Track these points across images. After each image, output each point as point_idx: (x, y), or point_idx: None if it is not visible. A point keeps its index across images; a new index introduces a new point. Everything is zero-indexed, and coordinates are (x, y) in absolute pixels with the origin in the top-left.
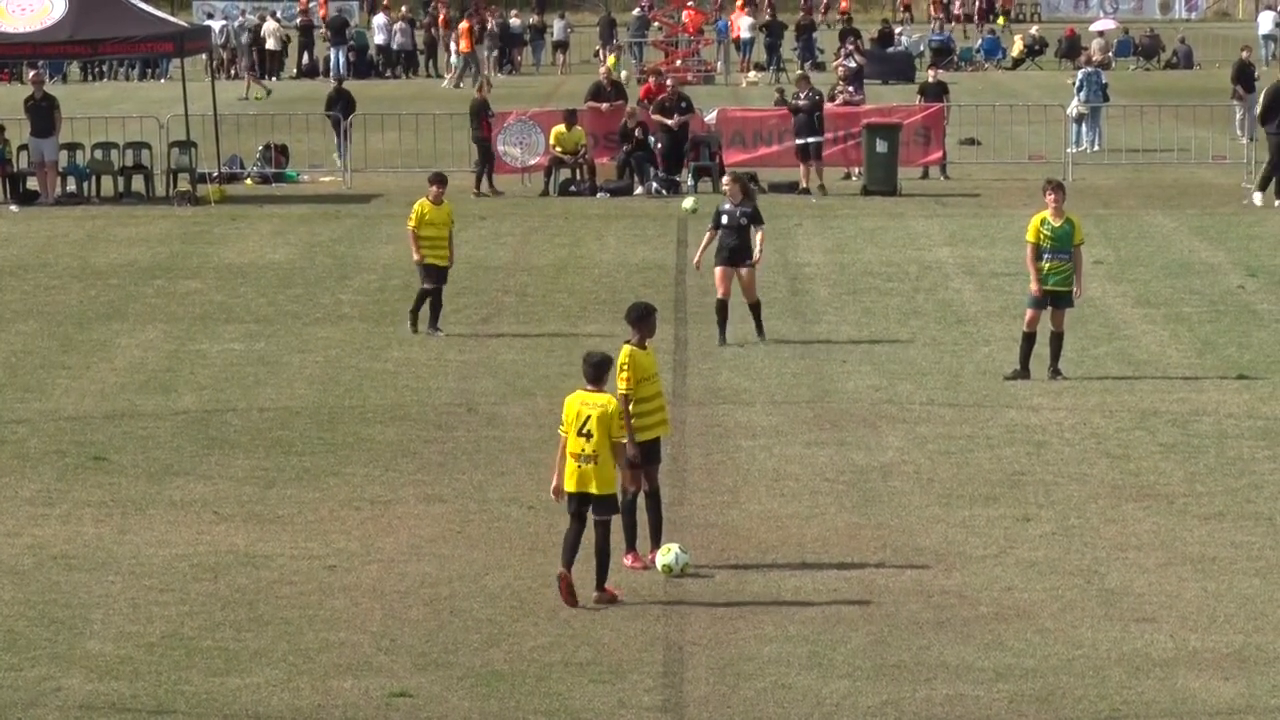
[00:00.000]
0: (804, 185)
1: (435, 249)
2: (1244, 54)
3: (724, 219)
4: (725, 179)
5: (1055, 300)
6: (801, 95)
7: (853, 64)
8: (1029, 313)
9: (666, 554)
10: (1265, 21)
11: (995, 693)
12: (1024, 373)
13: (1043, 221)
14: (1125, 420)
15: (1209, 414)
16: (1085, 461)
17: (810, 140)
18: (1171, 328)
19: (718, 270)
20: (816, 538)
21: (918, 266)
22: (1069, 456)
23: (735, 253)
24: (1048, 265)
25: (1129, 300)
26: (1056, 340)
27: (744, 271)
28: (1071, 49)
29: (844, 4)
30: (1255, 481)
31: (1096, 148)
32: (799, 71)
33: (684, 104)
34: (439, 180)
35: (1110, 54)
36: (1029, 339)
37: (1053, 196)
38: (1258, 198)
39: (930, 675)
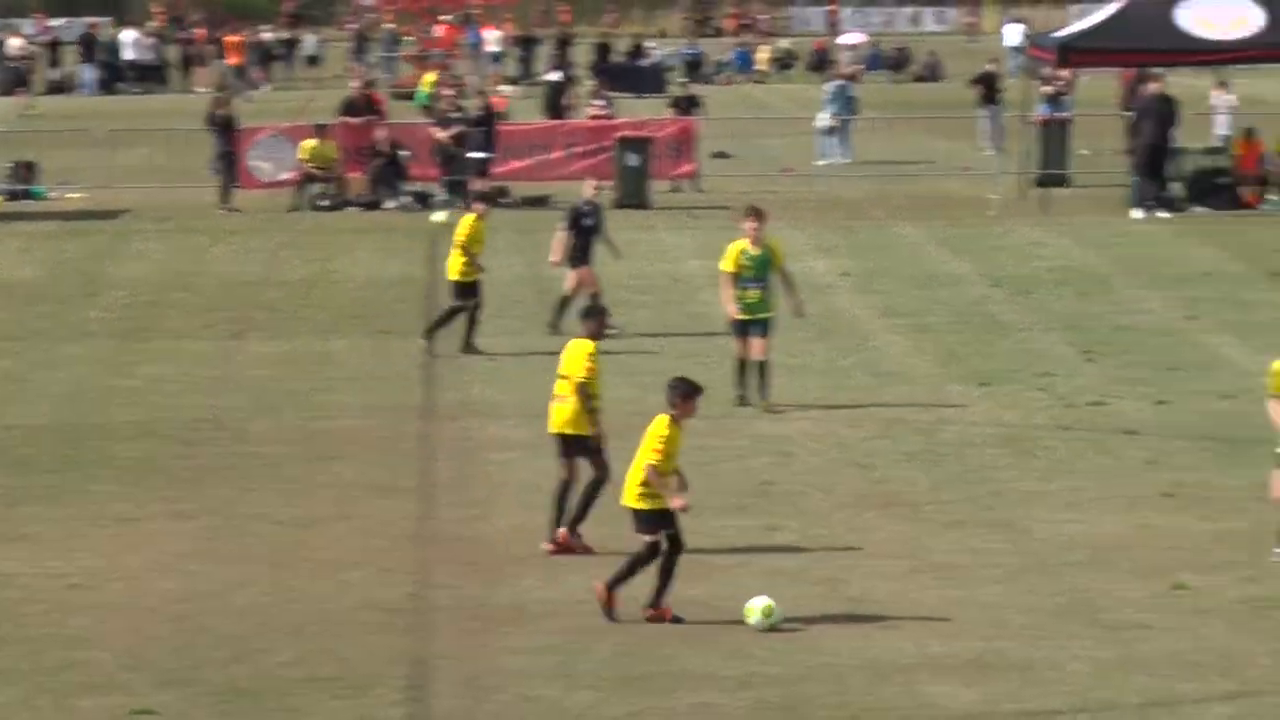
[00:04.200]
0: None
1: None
2: (990, 66)
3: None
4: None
5: (753, 328)
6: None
7: (559, 76)
8: (736, 341)
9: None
10: (1011, 34)
11: (739, 700)
12: (745, 400)
13: (741, 251)
14: (871, 429)
15: (953, 423)
16: (831, 471)
17: (481, 155)
18: (916, 338)
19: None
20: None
21: (668, 279)
22: (815, 466)
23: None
24: (747, 294)
25: (876, 311)
26: (760, 369)
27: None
28: (821, 62)
29: (564, 15)
30: (996, 489)
31: (845, 160)
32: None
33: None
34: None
35: (860, 67)
36: (741, 365)
37: (752, 224)
38: (1139, 213)
39: (675, 685)
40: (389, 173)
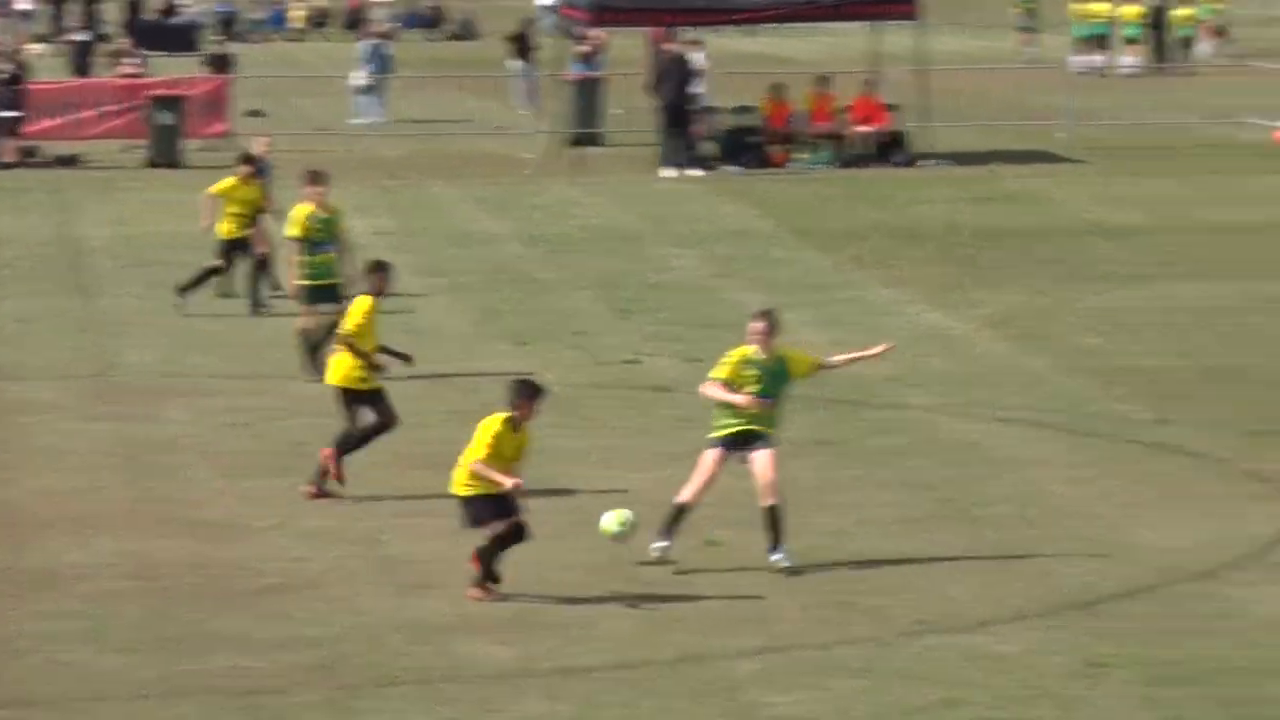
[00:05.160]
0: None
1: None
2: (526, 26)
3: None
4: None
5: (327, 294)
6: None
7: (87, 35)
8: (304, 310)
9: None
10: None
11: (275, 663)
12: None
13: (309, 215)
14: (409, 389)
15: (492, 381)
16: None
17: (10, 114)
18: (454, 296)
19: None
20: (96, 513)
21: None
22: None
23: None
24: (318, 258)
25: (413, 270)
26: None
27: None
28: (356, 20)
29: None
30: (536, 447)
31: (382, 119)
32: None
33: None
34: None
35: (394, 25)
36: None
37: (313, 189)
38: (671, 171)
39: (209, 647)
40: None
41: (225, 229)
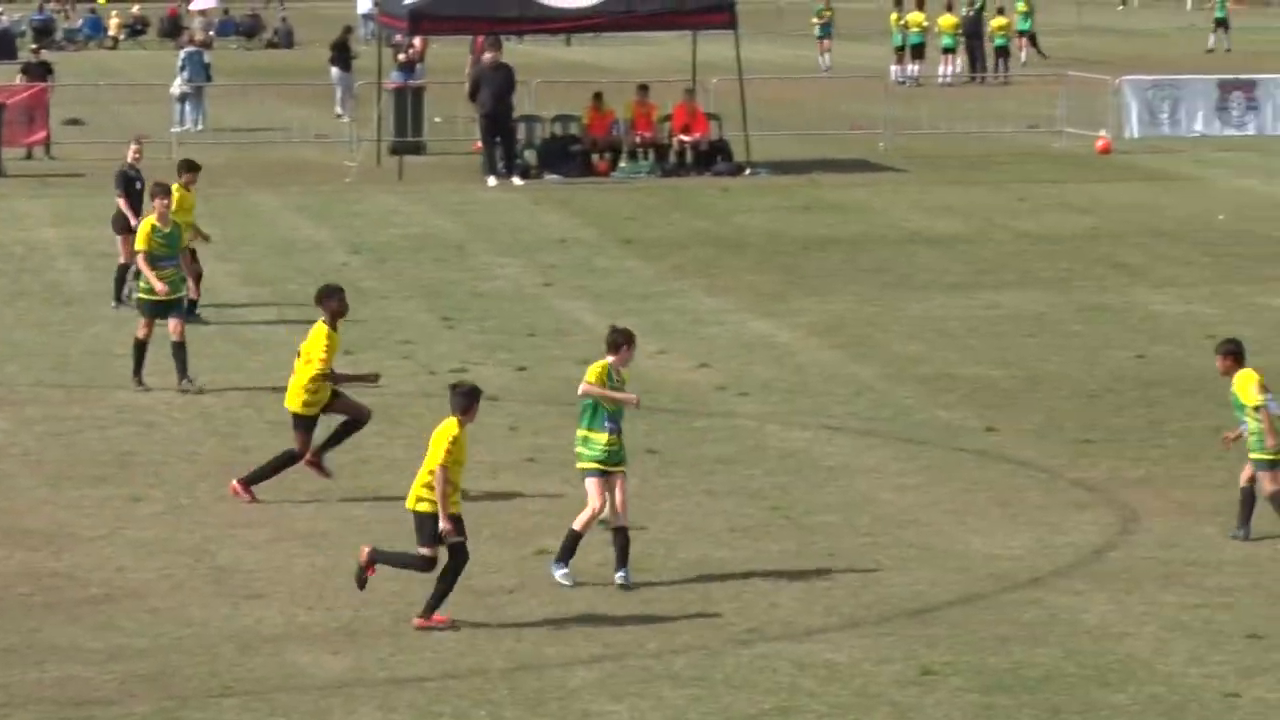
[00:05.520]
0: None
1: None
2: (345, 34)
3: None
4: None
5: (172, 309)
6: None
7: None
8: (143, 322)
9: None
10: (363, 1)
11: (106, 674)
12: (143, 383)
13: (153, 228)
14: (234, 399)
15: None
16: (194, 440)
17: None
18: (279, 307)
19: None
20: None
21: (23, 247)
22: (178, 436)
23: None
24: (164, 272)
25: (236, 279)
26: (179, 350)
27: None
28: (174, 29)
29: None
30: (362, 457)
31: (200, 127)
32: None
33: None
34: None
35: (212, 33)
36: (142, 346)
37: (161, 201)
38: (492, 180)
39: (40, 658)
40: None
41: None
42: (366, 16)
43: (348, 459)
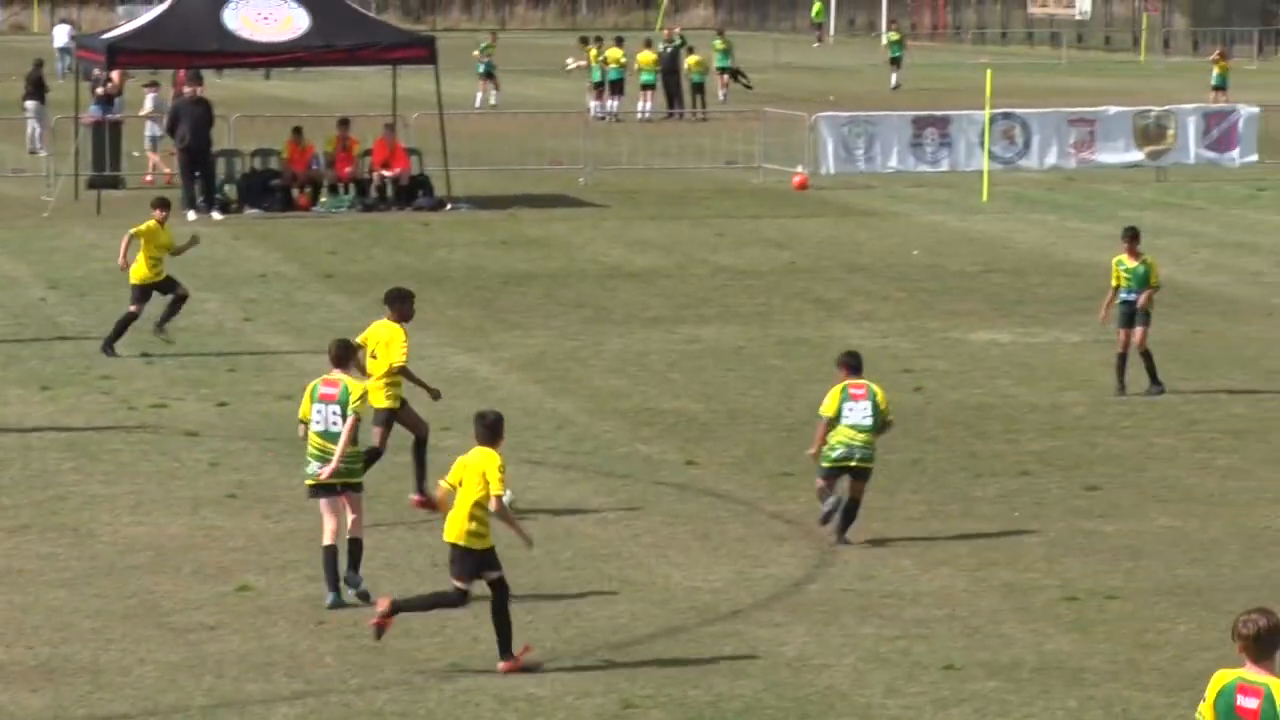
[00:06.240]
0: None
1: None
2: (39, 67)
3: None
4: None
5: None
6: None
7: None
8: None
9: None
10: (60, 35)
11: None
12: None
13: None
14: None
15: (13, 427)
16: None
17: None
18: None
19: None
20: None
21: None
22: None
23: None
24: None
25: None
26: None
27: None
28: None
29: None
30: (60, 493)
31: None
32: None
33: None
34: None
35: None
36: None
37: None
38: (191, 214)
39: None
40: None
41: (140, 273)
42: (63, 50)
43: (45, 495)
